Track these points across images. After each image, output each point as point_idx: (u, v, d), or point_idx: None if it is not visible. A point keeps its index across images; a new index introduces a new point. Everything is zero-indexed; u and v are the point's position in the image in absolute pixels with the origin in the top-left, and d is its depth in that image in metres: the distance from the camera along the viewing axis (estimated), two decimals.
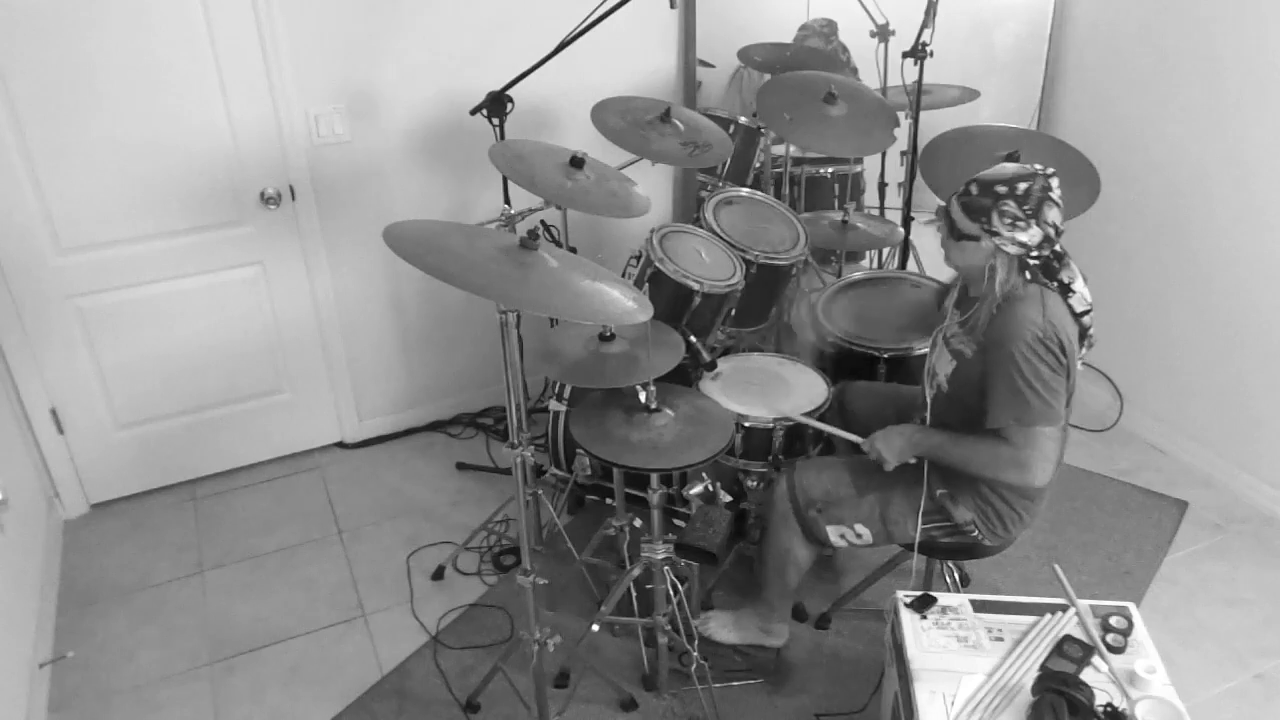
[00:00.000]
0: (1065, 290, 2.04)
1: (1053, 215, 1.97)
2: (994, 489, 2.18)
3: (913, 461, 2.21)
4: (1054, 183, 1.97)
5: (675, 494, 2.76)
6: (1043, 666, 1.90)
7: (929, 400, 2.24)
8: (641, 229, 3.01)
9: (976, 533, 2.22)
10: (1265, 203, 2.95)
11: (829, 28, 3.54)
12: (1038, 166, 1.99)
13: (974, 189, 2.00)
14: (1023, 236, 1.96)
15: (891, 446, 2.21)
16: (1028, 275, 2.02)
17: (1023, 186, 1.95)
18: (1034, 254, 2.00)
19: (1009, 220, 1.95)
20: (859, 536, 2.27)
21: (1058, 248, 2.03)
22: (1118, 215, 3.39)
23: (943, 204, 2.11)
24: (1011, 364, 1.97)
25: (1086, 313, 2.06)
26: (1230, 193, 3.05)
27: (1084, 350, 2.11)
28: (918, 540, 2.24)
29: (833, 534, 2.28)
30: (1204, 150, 3.10)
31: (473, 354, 3.61)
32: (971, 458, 2.10)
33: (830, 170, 3.57)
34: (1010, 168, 2.00)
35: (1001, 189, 1.96)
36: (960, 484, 2.20)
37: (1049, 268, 2.03)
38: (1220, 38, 2.97)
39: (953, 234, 2.05)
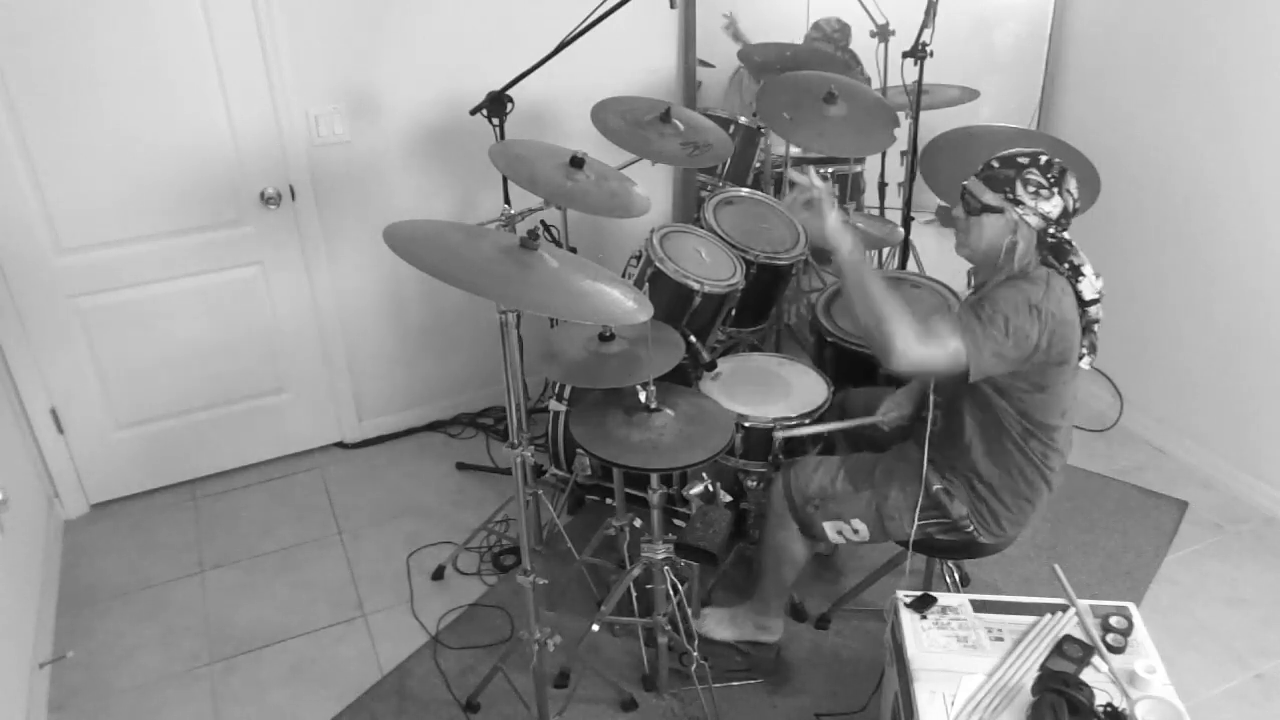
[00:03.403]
0: (1076, 273, 2.04)
1: (1072, 185, 1.99)
2: (989, 486, 2.18)
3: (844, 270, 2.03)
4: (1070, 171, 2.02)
5: (675, 494, 2.76)
6: (1043, 666, 1.90)
7: (933, 381, 2.24)
8: (641, 229, 3.01)
9: (972, 528, 2.22)
10: (1266, 202, 2.95)
11: (841, 34, 3.52)
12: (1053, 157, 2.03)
13: (995, 163, 2.00)
14: (1045, 206, 1.96)
15: (836, 228, 2.01)
16: (1041, 256, 2.02)
17: (1044, 158, 1.98)
18: (1052, 230, 2.00)
19: (1033, 189, 1.96)
20: (855, 532, 2.28)
21: (1067, 235, 2.04)
22: (1118, 215, 3.39)
23: (953, 190, 2.11)
24: (991, 295, 1.98)
25: (1095, 301, 2.05)
26: (1230, 192, 3.05)
27: (1085, 350, 2.10)
28: (913, 536, 2.24)
29: (830, 529, 2.29)
30: (1204, 150, 3.10)
31: (473, 354, 3.61)
32: (881, 303, 1.94)
33: (830, 170, 3.57)
34: (1025, 147, 2.03)
35: (1024, 159, 1.98)
36: (955, 479, 2.21)
37: (1060, 250, 2.03)
38: (1220, 37, 2.97)
39: (971, 210, 2.03)
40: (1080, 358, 2.08)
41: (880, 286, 1.97)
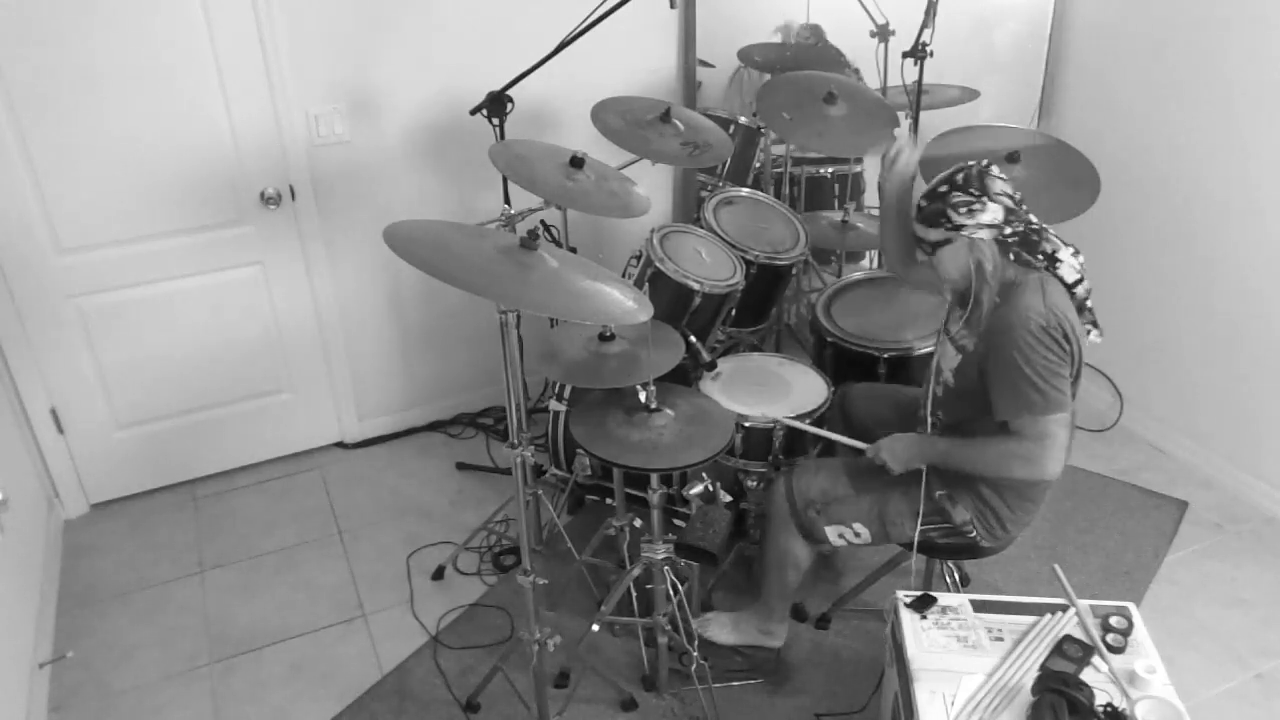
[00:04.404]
0: (1051, 261, 2.05)
1: (998, 186, 1.99)
2: (994, 490, 2.17)
3: (922, 467, 2.21)
4: (993, 168, 2.02)
5: (675, 494, 2.76)
6: (1043, 666, 1.90)
7: (932, 398, 2.24)
8: (641, 229, 3.01)
9: (974, 534, 2.21)
10: (1266, 202, 2.95)
11: (814, 36, 3.53)
12: (970, 161, 2.04)
13: (922, 203, 2.05)
14: (985, 217, 1.98)
15: (897, 454, 2.21)
16: (1013, 256, 2.02)
17: (960, 176, 2.00)
18: (1006, 231, 2.00)
19: (964, 209, 1.98)
20: (857, 536, 2.27)
21: (1032, 220, 2.04)
22: (1118, 215, 3.39)
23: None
24: (1018, 353, 1.96)
25: (1079, 282, 2.06)
26: (1230, 192, 3.05)
27: (1089, 328, 2.10)
28: (916, 540, 2.24)
29: (831, 534, 2.28)
30: (1204, 150, 3.10)
31: (473, 354, 3.61)
32: (980, 459, 2.09)
33: (830, 170, 3.57)
34: (943, 173, 2.05)
35: (943, 188, 2.01)
36: (958, 485, 2.20)
37: (1028, 242, 2.03)
38: (1220, 37, 2.97)
39: (927, 251, 2.08)
40: (1087, 334, 2.10)
41: (970, 456, 2.10)
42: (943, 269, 2.08)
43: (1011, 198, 2.00)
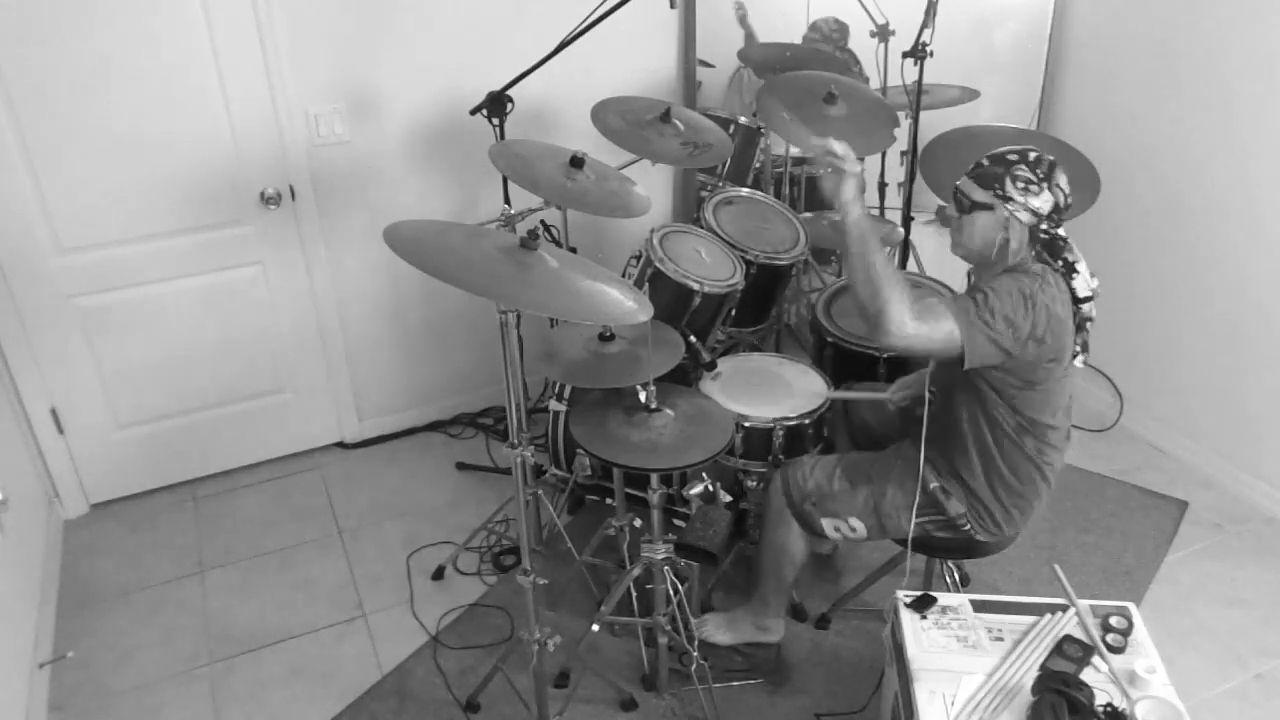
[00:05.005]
0: (1070, 269, 2.04)
1: (1063, 180, 1.99)
2: (988, 486, 2.18)
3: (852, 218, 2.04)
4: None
5: (675, 494, 2.76)
6: (1043, 666, 1.90)
7: (930, 373, 2.24)
8: (641, 229, 3.01)
9: (969, 526, 2.22)
10: (1266, 203, 2.95)
11: (840, 34, 3.53)
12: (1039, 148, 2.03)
13: (985, 161, 2.01)
14: (1035, 202, 1.97)
15: (847, 194, 2.06)
16: (1034, 252, 2.03)
17: (1033, 155, 1.98)
18: (1044, 225, 2.00)
19: (1022, 185, 1.96)
20: (853, 530, 2.28)
21: (1061, 232, 2.04)
22: (1118, 215, 3.39)
23: (950, 190, 2.10)
24: (989, 285, 1.97)
25: (1089, 299, 2.06)
26: (1230, 192, 3.05)
27: (1079, 348, 2.10)
28: (911, 534, 2.24)
29: (827, 526, 2.29)
30: (1204, 150, 3.10)
31: (473, 354, 3.61)
32: (882, 273, 1.96)
33: (830, 170, 3.56)
34: (1014, 145, 2.03)
35: (1013, 156, 1.98)
36: (951, 478, 2.21)
37: (1054, 247, 2.04)
38: (1220, 37, 2.97)
39: (963, 208, 2.04)
40: (1074, 356, 2.09)
41: (883, 259, 1.98)
42: (968, 233, 2.05)
43: (1066, 197, 2.00)
